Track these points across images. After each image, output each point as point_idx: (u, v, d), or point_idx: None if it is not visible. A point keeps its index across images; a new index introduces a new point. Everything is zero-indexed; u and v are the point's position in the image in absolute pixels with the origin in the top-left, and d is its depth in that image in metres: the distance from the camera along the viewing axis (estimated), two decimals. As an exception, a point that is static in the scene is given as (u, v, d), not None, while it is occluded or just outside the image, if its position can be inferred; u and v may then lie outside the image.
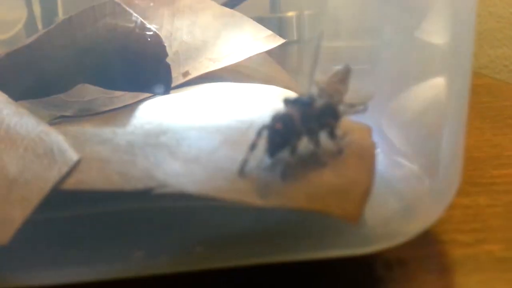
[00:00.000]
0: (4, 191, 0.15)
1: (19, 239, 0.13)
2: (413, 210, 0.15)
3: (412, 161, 0.18)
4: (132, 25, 0.24)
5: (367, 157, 0.14)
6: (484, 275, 0.14)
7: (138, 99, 0.25)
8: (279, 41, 0.29)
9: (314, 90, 0.15)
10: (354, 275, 0.14)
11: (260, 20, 0.30)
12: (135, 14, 0.24)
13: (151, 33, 0.25)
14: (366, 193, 0.13)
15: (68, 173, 0.15)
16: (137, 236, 0.15)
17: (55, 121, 0.24)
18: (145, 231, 0.15)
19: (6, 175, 0.15)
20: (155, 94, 0.25)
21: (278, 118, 0.14)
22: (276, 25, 0.39)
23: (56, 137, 0.17)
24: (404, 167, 0.18)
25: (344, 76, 0.16)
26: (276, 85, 0.27)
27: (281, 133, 0.13)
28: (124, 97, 0.25)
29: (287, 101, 0.15)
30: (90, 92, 0.26)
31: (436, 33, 0.18)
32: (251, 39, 0.30)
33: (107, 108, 0.25)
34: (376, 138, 0.18)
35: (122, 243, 0.15)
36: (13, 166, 0.16)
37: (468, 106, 0.32)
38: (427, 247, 0.16)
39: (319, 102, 0.14)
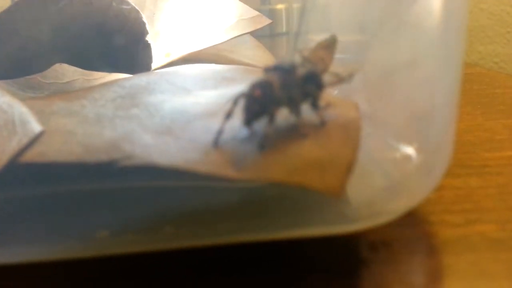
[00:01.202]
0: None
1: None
2: (399, 188, 0.14)
3: (401, 139, 0.17)
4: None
5: (351, 129, 0.13)
6: (476, 255, 0.13)
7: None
8: (266, 21, 0.28)
9: (297, 58, 0.14)
10: (338, 256, 0.13)
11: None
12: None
13: (129, 7, 0.24)
14: (349, 167, 0.12)
15: (29, 145, 0.14)
16: (103, 215, 0.13)
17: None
18: (110, 209, 0.13)
19: (-40, 146, 0.14)
20: (134, 75, 0.23)
21: (256, 85, 0.13)
22: (267, 17, 0.38)
23: (19, 109, 0.16)
24: (393, 147, 0.17)
25: (329, 46, 0.14)
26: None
27: (259, 100, 0.12)
28: (103, 79, 0.24)
29: (267, 69, 0.13)
30: (68, 74, 0.25)
31: (428, 12, 0.17)
32: (237, 19, 0.29)
33: (86, 90, 0.24)
34: (365, 118, 0.17)
35: (85, 222, 0.13)
36: (-31, 137, 0.14)
37: (460, 91, 0.31)
38: (414, 227, 0.15)
39: (302, 70, 0.13)
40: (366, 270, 0.13)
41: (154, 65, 0.25)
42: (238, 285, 0.12)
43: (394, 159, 0.16)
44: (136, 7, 0.24)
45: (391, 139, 0.17)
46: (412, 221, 0.15)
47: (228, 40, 0.28)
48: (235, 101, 0.13)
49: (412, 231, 0.14)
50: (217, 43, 0.27)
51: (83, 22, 0.24)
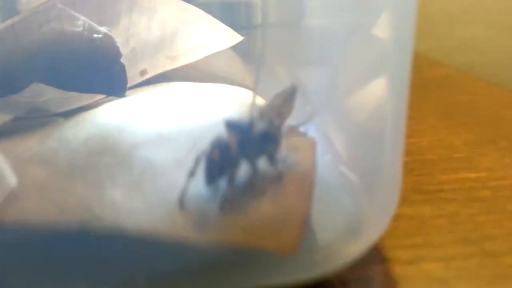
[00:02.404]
0: None
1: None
2: (355, 229, 0.15)
3: (355, 172, 0.17)
4: (79, 29, 0.23)
5: (306, 182, 0.14)
6: (419, 298, 0.14)
7: (94, 99, 0.24)
8: (238, 39, 0.29)
9: (256, 112, 0.15)
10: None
11: (227, 5, 0.29)
12: (82, 18, 0.23)
13: (101, 35, 0.24)
14: (303, 223, 0.13)
15: (7, 201, 0.15)
16: (78, 268, 0.14)
17: (12, 124, 0.23)
18: (86, 262, 0.14)
19: None
20: (110, 95, 0.24)
21: (215, 145, 0.13)
22: (244, 8, 0.38)
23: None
24: (348, 178, 0.18)
25: (289, 96, 0.15)
26: (235, 84, 0.27)
27: (217, 161, 0.13)
28: (79, 97, 0.25)
29: (227, 124, 0.14)
30: (45, 92, 0.25)
31: (382, 31, 0.17)
32: (210, 37, 0.30)
33: (62, 109, 0.25)
34: (323, 143, 0.17)
35: (61, 275, 0.14)
36: None
37: (426, 101, 0.32)
38: (369, 266, 0.16)
39: (259, 127, 0.14)
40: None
41: (129, 83, 0.25)
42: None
43: (350, 193, 0.17)
44: (109, 32, 0.24)
45: (346, 169, 0.18)
46: (369, 258, 0.16)
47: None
48: (197, 160, 0.14)
49: (367, 269, 0.15)
50: (190, 61, 0.28)
51: (57, 47, 0.24)
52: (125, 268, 0.14)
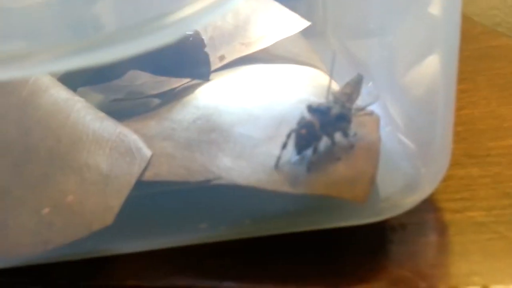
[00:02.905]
0: (101, 185, 0.20)
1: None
2: (411, 186, 0.19)
3: (411, 139, 0.21)
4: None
5: (373, 150, 0.18)
6: (463, 237, 0.18)
7: (182, 83, 0.29)
8: (305, 24, 0.32)
9: (331, 99, 0.19)
10: (367, 237, 0.19)
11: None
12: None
13: (192, 33, 0.29)
14: (371, 180, 0.17)
15: (146, 167, 0.20)
16: (201, 212, 0.20)
17: (113, 104, 0.29)
18: (207, 208, 0.20)
19: (101, 171, 0.20)
20: (196, 79, 0.29)
21: (302, 125, 0.18)
22: None
23: (131, 137, 0.22)
24: (406, 145, 0.21)
25: (356, 84, 0.19)
26: (303, 64, 0.31)
27: (305, 137, 0.18)
28: (169, 81, 0.30)
29: (309, 108, 0.19)
30: (140, 77, 0.30)
31: (434, 9, 0.19)
32: (279, 23, 0.34)
33: (155, 92, 0.30)
34: (384, 116, 0.21)
35: (190, 218, 0.20)
36: (104, 163, 0.21)
37: (480, 73, 0.34)
38: (424, 213, 0.20)
39: (335, 110, 0.18)
40: (388, 248, 0.18)
41: (211, 68, 0.30)
42: (290, 264, 0.18)
43: (407, 157, 0.21)
44: (197, 30, 0.29)
45: (404, 137, 0.21)
46: (423, 208, 0.20)
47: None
48: (288, 136, 0.18)
49: (422, 216, 0.20)
50: (262, 47, 0.32)
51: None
52: (235, 212, 0.19)
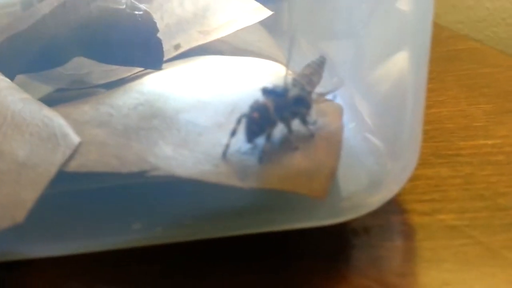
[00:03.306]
0: (15, 174, 0.17)
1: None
2: (377, 184, 0.17)
3: (378, 136, 0.19)
4: (123, 6, 0.25)
5: (334, 141, 0.16)
6: (433, 242, 0.16)
7: (132, 73, 0.26)
8: (267, 13, 0.30)
9: (289, 81, 0.17)
10: (325, 241, 0.17)
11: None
12: (125, -6, 0.25)
13: (141, 12, 0.26)
14: (332, 174, 0.15)
15: (71, 156, 0.17)
16: (135, 211, 0.17)
17: (54, 94, 0.26)
18: (141, 206, 0.17)
19: (15, 159, 0.17)
20: (147, 68, 0.26)
21: (254, 108, 0.16)
22: None
23: (58, 121, 0.19)
24: (372, 142, 0.20)
25: (318, 67, 0.17)
26: (264, 57, 0.29)
27: (257, 121, 0.15)
28: (118, 70, 0.27)
29: (264, 90, 0.16)
30: (86, 66, 0.28)
31: (405, 3, 0.18)
32: (240, 12, 0.31)
33: (103, 81, 0.27)
34: (349, 112, 0.19)
35: (121, 217, 0.17)
36: (21, 150, 0.17)
37: (448, 74, 0.33)
38: (390, 215, 0.18)
39: (292, 93, 0.16)
40: (349, 253, 0.16)
41: (164, 57, 0.27)
42: (238, 270, 0.15)
43: (372, 154, 0.19)
44: (147, 8, 0.26)
45: (369, 134, 0.20)
46: (389, 209, 0.18)
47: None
48: (238, 121, 0.16)
49: (387, 218, 0.18)
50: (221, 36, 0.30)
51: (99, 23, 0.26)
52: (173, 210, 0.16)
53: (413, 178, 0.18)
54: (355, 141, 0.19)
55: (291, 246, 0.16)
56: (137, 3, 0.26)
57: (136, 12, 0.26)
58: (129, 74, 0.27)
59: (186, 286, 0.15)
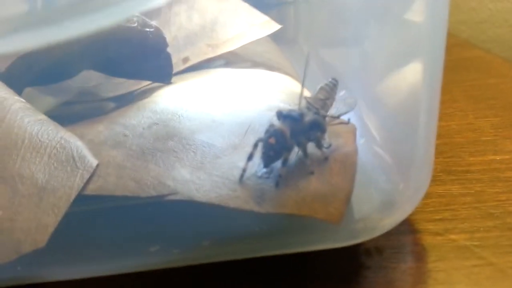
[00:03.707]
0: (36, 198, 0.17)
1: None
2: (390, 205, 0.18)
3: (389, 152, 0.19)
4: (134, 24, 0.25)
5: (349, 163, 0.16)
6: (446, 263, 0.16)
7: (140, 85, 0.27)
8: (275, 27, 0.31)
9: (304, 105, 0.17)
10: (339, 262, 0.17)
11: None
12: (137, 14, 0.26)
13: (152, 29, 0.26)
14: (347, 198, 0.16)
15: (89, 179, 0.18)
16: (153, 233, 0.17)
17: (62, 107, 0.26)
18: (160, 229, 0.17)
19: (35, 183, 0.17)
20: (157, 82, 0.26)
21: (271, 133, 0.16)
22: None
23: (75, 143, 0.19)
24: (383, 159, 0.20)
25: (331, 90, 0.18)
26: (272, 69, 0.29)
27: (274, 147, 0.16)
28: (126, 83, 0.27)
29: (279, 114, 0.17)
30: (94, 78, 0.28)
31: (416, 17, 0.18)
32: (248, 26, 0.32)
33: (111, 94, 0.27)
34: (359, 127, 0.19)
35: (138, 239, 0.17)
36: (40, 173, 0.18)
37: (455, 84, 0.33)
38: (402, 236, 0.18)
39: (308, 118, 0.16)
40: (363, 275, 0.16)
41: (173, 71, 0.28)
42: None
43: (384, 173, 0.19)
44: (158, 26, 0.27)
45: (380, 150, 0.20)
46: (401, 229, 0.18)
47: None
48: (254, 145, 0.16)
49: (400, 239, 0.18)
50: (229, 49, 0.30)
51: (111, 39, 0.27)
52: (191, 233, 0.17)
53: (424, 196, 0.18)
54: (366, 158, 0.20)
55: (305, 266, 0.17)
56: (147, 19, 0.27)
57: (147, 29, 0.26)
58: (137, 87, 0.27)
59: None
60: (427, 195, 0.19)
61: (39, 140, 0.19)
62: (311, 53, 0.31)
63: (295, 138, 0.16)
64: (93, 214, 0.18)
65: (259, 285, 0.16)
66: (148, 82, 0.27)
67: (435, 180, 0.20)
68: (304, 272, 0.16)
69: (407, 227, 0.18)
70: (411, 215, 0.18)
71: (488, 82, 0.34)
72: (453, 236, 0.18)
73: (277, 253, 0.16)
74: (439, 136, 0.25)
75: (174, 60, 0.27)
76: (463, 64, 0.37)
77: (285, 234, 0.16)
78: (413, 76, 0.18)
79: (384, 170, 0.19)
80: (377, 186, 0.19)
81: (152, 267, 0.16)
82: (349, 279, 0.16)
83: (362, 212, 0.17)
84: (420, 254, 0.17)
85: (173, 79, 0.27)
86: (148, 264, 0.17)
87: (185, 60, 0.30)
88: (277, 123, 0.16)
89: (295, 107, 0.17)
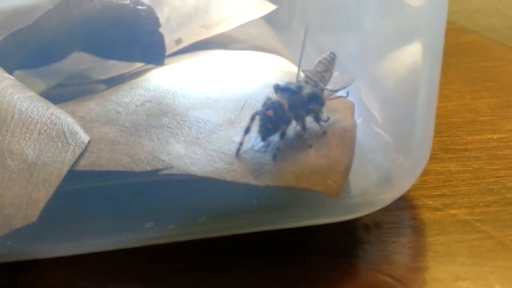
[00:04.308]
0: (26, 174, 0.17)
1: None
2: (388, 180, 0.17)
3: (387, 131, 0.19)
4: (126, 1, 0.25)
5: (348, 137, 0.16)
6: (446, 237, 0.16)
7: (132, 68, 0.26)
8: (270, 8, 0.30)
9: (301, 78, 0.17)
10: (337, 236, 0.17)
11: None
12: (129, -9, 0.25)
13: (145, 7, 0.26)
14: (346, 171, 0.15)
15: (81, 155, 0.17)
16: (148, 209, 0.17)
17: (53, 90, 0.26)
18: (155, 204, 0.17)
19: (25, 158, 0.17)
20: (149, 63, 0.26)
21: (269, 106, 0.16)
22: None
23: (66, 120, 0.19)
24: (381, 137, 0.20)
25: (329, 63, 0.17)
26: (267, 51, 0.29)
27: (272, 119, 0.15)
28: (118, 65, 0.27)
29: (276, 88, 0.16)
30: (85, 61, 0.27)
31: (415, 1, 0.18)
32: (243, 6, 0.31)
33: (102, 77, 0.27)
34: (357, 106, 0.19)
35: (133, 215, 0.17)
36: (30, 149, 0.17)
37: (451, 67, 0.33)
38: (401, 211, 0.18)
39: (306, 90, 0.16)
40: (363, 249, 0.16)
41: (166, 52, 0.27)
42: (251, 268, 0.16)
43: (383, 150, 0.19)
44: (150, 4, 0.26)
45: (378, 128, 0.20)
46: (399, 205, 0.18)
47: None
48: (252, 119, 0.16)
49: (399, 214, 0.18)
50: (223, 30, 0.30)
51: (102, 18, 0.26)
52: (187, 208, 0.17)
53: (423, 173, 0.18)
54: (363, 135, 0.19)
55: (304, 241, 0.17)
56: (140, -3, 0.26)
57: (140, 7, 0.26)
58: (129, 69, 0.27)
59: (202, 283, 0.15)
60: (425, 172, 0.19)
61: (29, 116, 0.19)
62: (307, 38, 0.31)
63: (293, 111, 0.16)
64: (86, 190, 0.18)
65: (257, 260, 0.16)
66: (140, 65, 0.26)
67: (432, 158, 0.20)
68: (303, 246, 0.16)
69: (406, 202, 0.18)
70: (409, 191, 0.18)
71: (485, 65, 0.34)
72: (452, 211, 0.17)
73: (274, 228, 0.16)
74: (436, 116, 0.25)
75: (167, 41, 0.27)
76: (460, 48, 0.37)
77: (283, 208, 0.16)
78: (412, 56, 0.18)
79: (382, 148, 0.19)
80: (375, 162, 0.19)
81: (149, 242, 0.16)
82: (348, 252, 0.16)
83: (361, 187, 0.17)
84: (419, 229, 0.17)
85: (166, 60, 0.26)
86: (143, 239, 0.16)
87: (178, 41, 0.29)
88: (274, 97, 0.16)
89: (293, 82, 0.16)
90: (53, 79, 0.27)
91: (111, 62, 0.27)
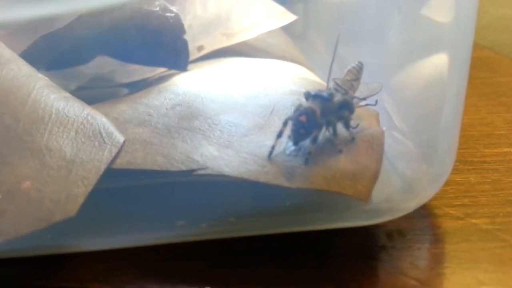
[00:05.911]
0: (65, 171, 0.17)
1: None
2: (412, 188, 0.18)
3: (412, 140, 0.20)
4: (156, 8, 0.26)
5: (376, 144, 0.17)
6: (469, 244, 0.17)
7: (155, 73, 0.27)
8: (291, 18, 0.31)
9: (332, 86, 0.18)
10: (362, 242, 0.18)
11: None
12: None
13: (173, 14, 0.27)
14: (375, 177, 0.16)
15: (117, 154, 0.18)
16: (180, 207, 0.18)
17: (76, 93, 0.27)
18: (187, 203, 0.18)
19: (64, 156, 0.18)
20: (173, 69, 0.27)
21: (301, 111, 0.16)
22: None
23: (101, 120, 0.19)
24: (405, 146, 0.20)
25: (357, 72, 0.18)
26: (288, 60, 0.29)
27: (304, 125, 0.16)
28: (141, 70, 0.28)
29: (307, 95, 0.17)
30: (108, 65, 0.28)
31: (440, 11, 0.19)
32: (264, 16, 0.32)
33: (125, 81, 0.28)
34: (382, 117, 0.20)
35: (166, 213, 0.18)
36: (68, 147, 0.18)
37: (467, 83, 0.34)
38: (423, 219, 0.19)
39: (337, 98, 0.17)
40: (389, 254, 0.17)
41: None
42: (280, 268, 0.16)
43: (406, 158, 0.20)
44: (178, 13, 0.27)
45: (402, 137, 0.20)
46: (422, 213, 0.19)
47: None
48: (284, 123, 0.17)
49: (421, 222, 0.18)
50: (244, 39, 0.30)
51: (129, 23, 0.27)
52: (218, 208, 0.17)
53: (443, 184, 0.19)
54: (387, 144, 0.20)
55: (329, 246, 0.17)
56: (169, 6, 0.27)
57: (168, 14, 0.27)
58: (152, 74, 0.27)
59: (231, 282, 0.16)
60: (446, 183, 0.20)
61: (66, 116, 0.19)
62: (325, 49, 0.31)
63: (324, 117, 0.16)
64: (122, 188, 0.18)
65: (281, 262, 0.16)
66: (163, 69, 0.27)
67: (452, 169, 0.21)
68: (331, 250, 0.17)
69: (428, 211, 0.19)
70: (431, 200, 0.19)
71: (499, 80, 0.35)
72: (474, 221, 0.18)
73: (300, 230, 0.17)
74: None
75: (189, 48, 0.28)
76: (473, 63, 0.38)
77: (311, 211, 0.17)
78: (438, 68, 0.19)
79: (406, 155, 0.20)
80: (399, 170, 0.19)
81: (180, 239, 0.17)
82: (375, 257, 0.17)
83: (385, 193, 0.18)
84: (442, 236, 0.18)
85: (189, 66, 0.27)
86: (174, 237, 0.17)
87: (200, 48, 0.30)
88: (305, 103, 0.17)
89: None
90: (74, 81, 0.28)
91: (134, 66, 0.28)
